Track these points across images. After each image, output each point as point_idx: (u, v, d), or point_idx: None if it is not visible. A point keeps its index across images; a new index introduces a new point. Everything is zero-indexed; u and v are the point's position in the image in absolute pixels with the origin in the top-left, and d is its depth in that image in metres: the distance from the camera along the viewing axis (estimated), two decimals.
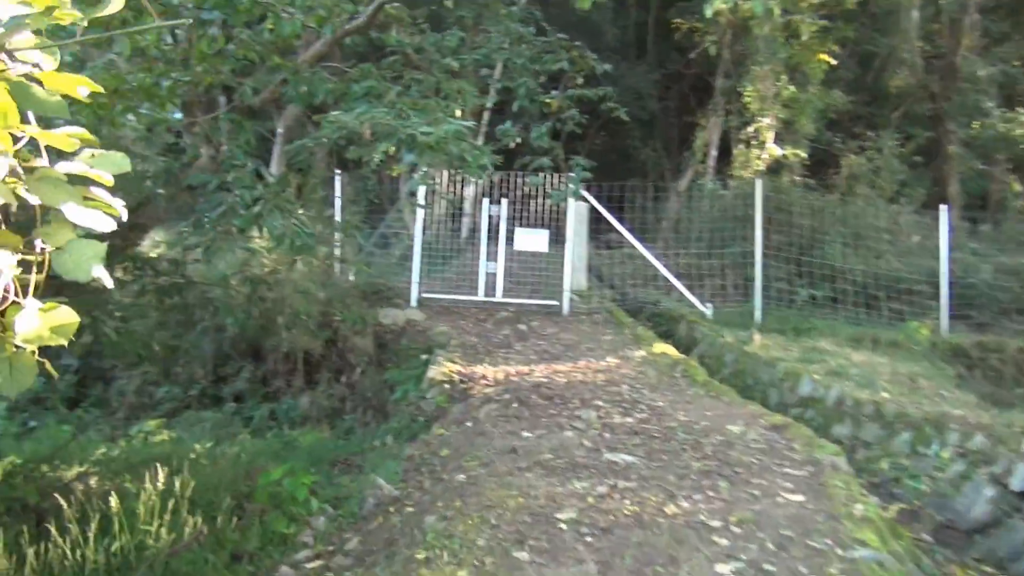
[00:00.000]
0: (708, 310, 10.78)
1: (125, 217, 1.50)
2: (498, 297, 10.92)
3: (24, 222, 1.44)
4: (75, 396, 9.52)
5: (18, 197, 1.36)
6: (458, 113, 5.64)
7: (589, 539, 3.49)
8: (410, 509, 4.26)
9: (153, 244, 7.21)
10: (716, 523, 3.70)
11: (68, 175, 1.42)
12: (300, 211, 5.44)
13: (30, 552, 3.29)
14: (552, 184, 9.84)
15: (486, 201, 11.35)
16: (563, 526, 3.61)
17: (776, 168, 14.48)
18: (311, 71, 5.16)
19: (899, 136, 15.68)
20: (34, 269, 1.38)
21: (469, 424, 5.68)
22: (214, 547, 3.95)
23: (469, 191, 14.05)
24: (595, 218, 11.66)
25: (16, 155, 1.36)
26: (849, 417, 6.71)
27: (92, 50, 5.44)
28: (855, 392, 6.94)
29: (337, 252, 9.89)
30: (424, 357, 8.16)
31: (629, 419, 5.60)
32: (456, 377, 7.11)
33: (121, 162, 1.51)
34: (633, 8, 20.75)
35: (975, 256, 12.06)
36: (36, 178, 1.38)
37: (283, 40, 5.07)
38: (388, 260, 12.57)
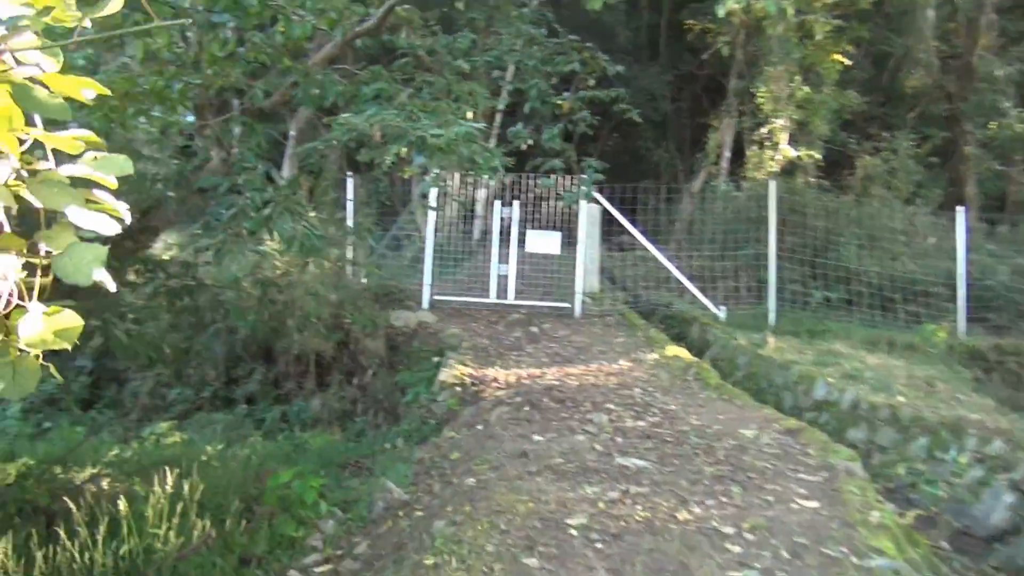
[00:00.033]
0: (721, 312, 10.71)
1: (129, 220, 1.48)
2: (510, 299, 10.89)
3: (34, 224, 1.43)
4: (89, 397, 9.59)
5: (21, 200, 1.34)
6: (470, 115, 5.62)
7: (599, 545, 3.45)
8: (419, 513, 4.23)
9: (165, 247, 7.24)
10: (729, 530, 3.65)
11: (71, 178, 1.41)
12: (312, 214, 5.44)
13: (39, 555, 3.29)
14: (564, 186, 9.80)
15: (498, 203, 11.32)
16: (573, 532, 3.57)
17: (790, 169, 14.38)
18: (322, 73, 5.16)
19: (915, 137, 15.51)
20: (39, 272, 1.37)
21: (480, 427, 5.65)
22: (222, 551, 3.94)
23: (481, 193, 14.03)
24: (607, 220, 11.60)
25: (20, 158, 1.35)
26: (864, 421, 6.63)
27: (106, 54, 5.47)
28: (870, 396, 6.86)
29: (349, 255, 9.90)
30: (435, 359, 8.15)
31: (641, 423, 5.55)
32: (467, 380, 7.09)
33: (124, 165, 1.49)
34: (646, 10, 20.67)
35: (992, 258, 11.92)
36: (38, 181, 1.37)
37: (294, 43, 5.07)
38: (400, 262, 12.56)
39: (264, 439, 7.57)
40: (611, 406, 5.97)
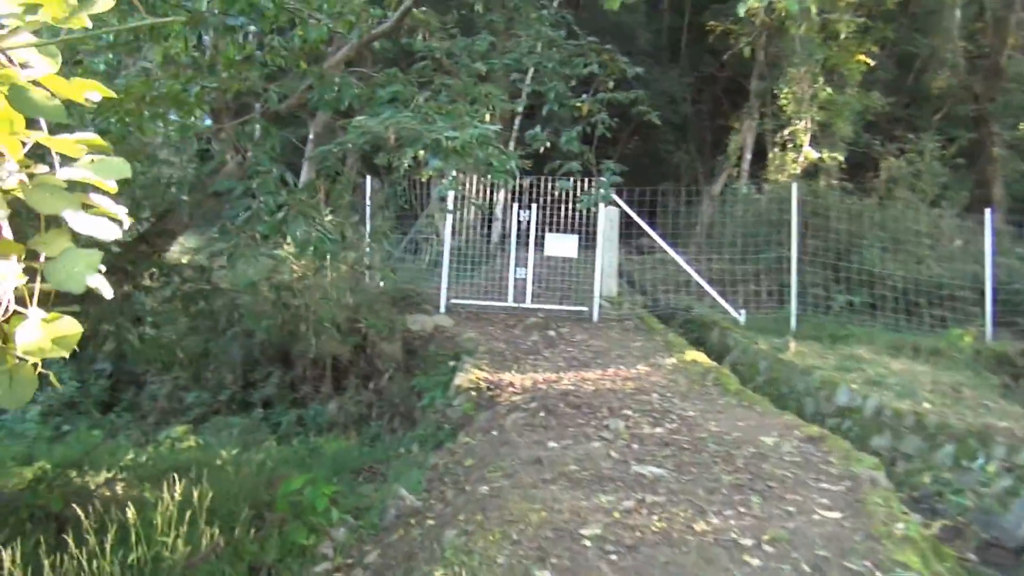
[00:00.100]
0: (741, 317, 10.57)
1: (128, 224, 1.45)
2: (527, 303, 10.83)
3: (34, 227, 1.40)
4: (108, 400, 9.66)
5: (20, 203, 1.31)
6: (487, 118, 5.56)
7: (613, 557, 3.36)
8: (431, 522, 4.18)
9: (182, 250, 7.26)
10: (748, 541, 3.56)
11: (69, 182, 1.37)
12: (328, 217, 5.41)
13: (46, 563, 3.27)
14: (582, 189, 9.72)
15: (516, 206, 11.27)
16: (587, 543, 3.50)
17: (812, 172, 14.20)
18: (338, 76, 5.13)
19: (940, 138, 15.26)
20: (39, 278, 1.34)
21: (495, 432, 5.59)
22: (232, 559, 3.90)
23: (499, 196, 13.99)
24: (626, 223, 11.51)
25: (19, 161, 1.32)
26: (888, 428, 6.49)
27: (127, 58, 5.49)
28: (895, 402, 6.72)
29: (367, 258, 9.89)
30: (452, 364, 8.10)
31: (658, 429, 5.46)
32: (483, 384, 7.03)
33: (121, 168, 1.46)
34: (667, 12, 20.57)
35: (1021, 261, 11.70)
36: (34, 185, 1.34)
37: (310, 46, 5.06)
38: (418, 265, 12.55)
39: (279, 443, 7.57)
40: (628, 412, 5.88)
